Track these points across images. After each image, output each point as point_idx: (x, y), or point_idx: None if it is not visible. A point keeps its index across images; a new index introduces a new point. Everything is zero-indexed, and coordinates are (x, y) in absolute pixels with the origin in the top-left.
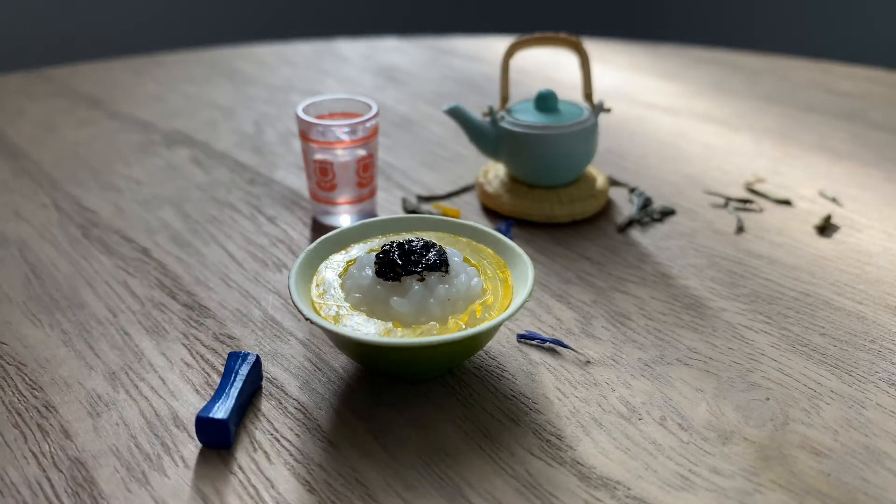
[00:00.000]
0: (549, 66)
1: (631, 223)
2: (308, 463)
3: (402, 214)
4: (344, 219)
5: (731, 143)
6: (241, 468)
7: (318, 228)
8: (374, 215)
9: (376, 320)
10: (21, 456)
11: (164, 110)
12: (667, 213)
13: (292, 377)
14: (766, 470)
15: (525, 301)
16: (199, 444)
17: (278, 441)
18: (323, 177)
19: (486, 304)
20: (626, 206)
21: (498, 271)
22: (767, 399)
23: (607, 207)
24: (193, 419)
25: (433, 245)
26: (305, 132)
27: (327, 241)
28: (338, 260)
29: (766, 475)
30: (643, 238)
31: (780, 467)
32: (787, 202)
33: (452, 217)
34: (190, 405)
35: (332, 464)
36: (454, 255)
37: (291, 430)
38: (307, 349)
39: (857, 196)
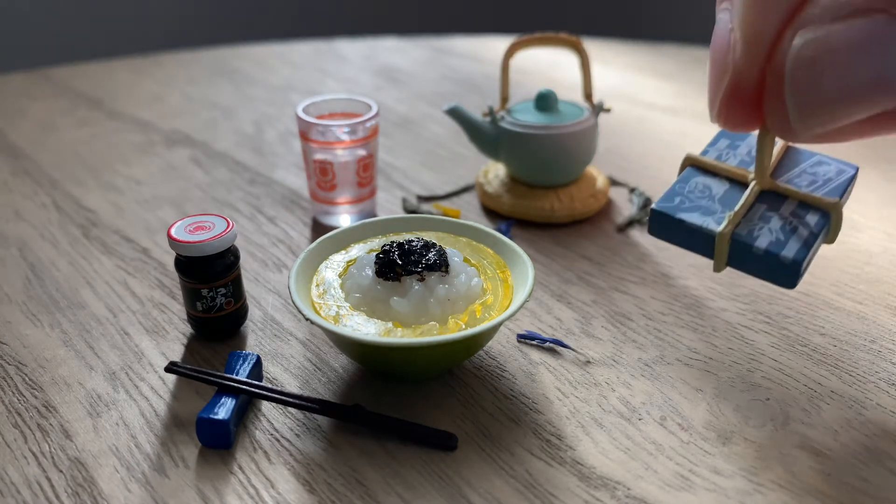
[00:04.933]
0: (549, 66)
1: (631, 223)
2: (308, 463)
3: (402, 214)
4: (344, 219)
5: None
6: (241, 468)
7: (318, 228)
8: (374, 215)
9: (376, 320)
10: (21, 456)
11: (164, 110)
12: None
13: (292, 377)
14: (766, 470)
15: (525, 301)
16: (200, 444)
17: (278, 441)
18: (323, 177)
19: (486, 304)
20: (626, 206)
21: (498, 271)
22: (767, 399)
23: (607, 207)
24: (193, 419)
25: (433, 245)
26: (305, 132)
27: (327, 241)
28: (338, 260)
29: (766, 475)
30: (643, 238)
31: (780, 467)
32: None
33: (452, 217)
34: (190, 405)
35: (332, 464)
36: (454, 255)
37: (291, 430)
38: (307, 349)
39: (857, 196)
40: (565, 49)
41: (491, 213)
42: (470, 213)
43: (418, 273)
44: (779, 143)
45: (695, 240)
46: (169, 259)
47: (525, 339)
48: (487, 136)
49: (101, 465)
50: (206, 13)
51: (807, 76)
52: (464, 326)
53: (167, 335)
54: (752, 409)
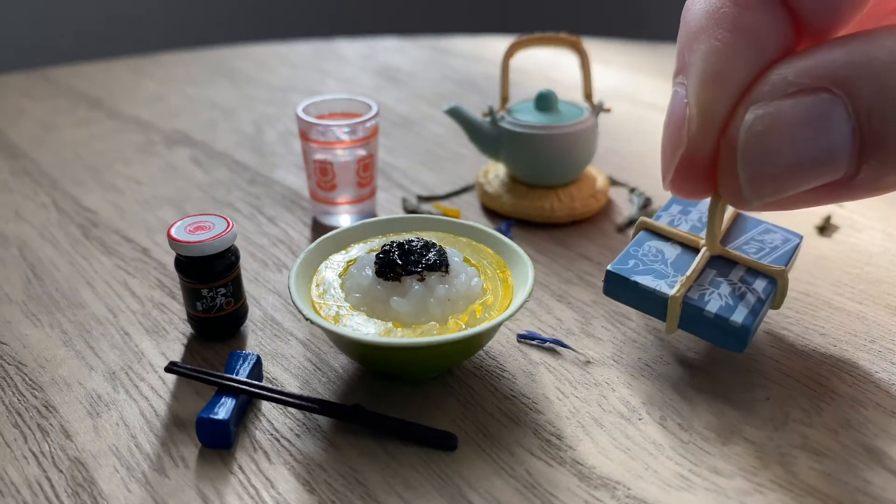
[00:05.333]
0: (549, 66)
1: (631, 223)
2: (308, 463)
3: (402, 214)
4: (344, 219)
5: None
6: (241, 468)
7: (318, 228)
8: (374, 215)
9: (376, 320)
10: (21, 456)
11: (164, 110)
12: None
13: (292, 377)
14: (766, 470)
15: (525, 301)
16: (200, 445)
17: (278, 441)
18: (323, 177)
19: (486, 304)
20: (626, 206)
21: (498, 271)
22: (767, 399)
23: (607, 207)
24: (193, 419)
25: (433, 245)
26: (305, 132)
27: (327, 241)
28: (338, 260)
29: (766, 475)
30: None
31: (779, 467)
32: None
33: (452, 217)
34: (190, 405)
35: (332, 464)
36: (454, 255)
37: (291, 430)
38: (307, 349)
39: None
40: (565, 49)
41: (491, 213)
42: (470, 213)
43: (418, 273)
44: (728, 211)
45: (648, 302)
46: (169, 259)
47: (525, 339)
48: (487, 136)
49: (101, 465)
50: (206, 13)
51: (758, 150)
52: (464, 326)
53: (167, 335)
54: (752, 409)
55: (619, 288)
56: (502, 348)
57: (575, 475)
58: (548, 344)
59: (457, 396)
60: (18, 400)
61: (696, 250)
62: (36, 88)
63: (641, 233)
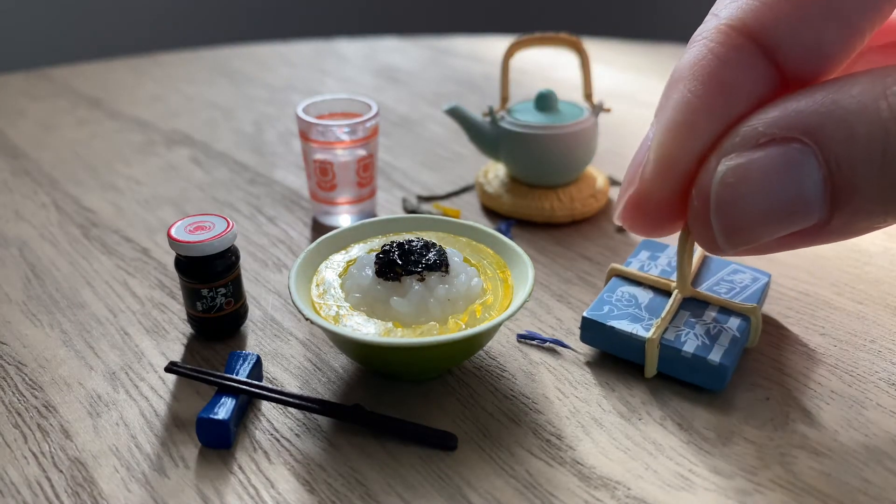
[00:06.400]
0: (549, 66)
1: None
2: (308, 463)
3: (402, 214)
4: (344, 219)
5: None
6: (241, 468)
7: (318, 228)
8: (374, 215)
9: (376, 320)
10: (21, 456)
11: (164, 110)
12: None
13: (292, 377)
14: (766, 470)
15: (525, 301)
16: (200, 444)
17: (278, 441)
18: (323, 177)
19: (486, 304)
20: None
21: (498, 271)
22: (767, 399)
23: (607, 207)
24: (193, 419)
25: (433, 245)
26: (305, 132)
27: (327, 241)
28: (338, 260)
29: (766, 475)
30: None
31: (779, 467)
32: None
33: (452, 217)
34: (190, 405)
35: (332, 464)
36: (454, 255)
37: (291, 430)
38: (307, 349)
39: None
40: (565, 49)
41: (491, 213)
42: (470, 213)
43: (418, 273)
44: (696, 253)
45: (625, 346)
46: (169, 259)
47: (525, 339)
48: (487, 136)
49: (101, 465)
50: (206, 13)
51: (730, 200)
52: (464, 326)
53: (167, 335)
54: (752, 409)
55: (596, 334)
56: (502, 348)
57: (575, 475)
58: (548, 344)
59: (457, 396)
60: (18, 400)
61: (668, 293)
62: (36, 88)
63: (613, 279)
